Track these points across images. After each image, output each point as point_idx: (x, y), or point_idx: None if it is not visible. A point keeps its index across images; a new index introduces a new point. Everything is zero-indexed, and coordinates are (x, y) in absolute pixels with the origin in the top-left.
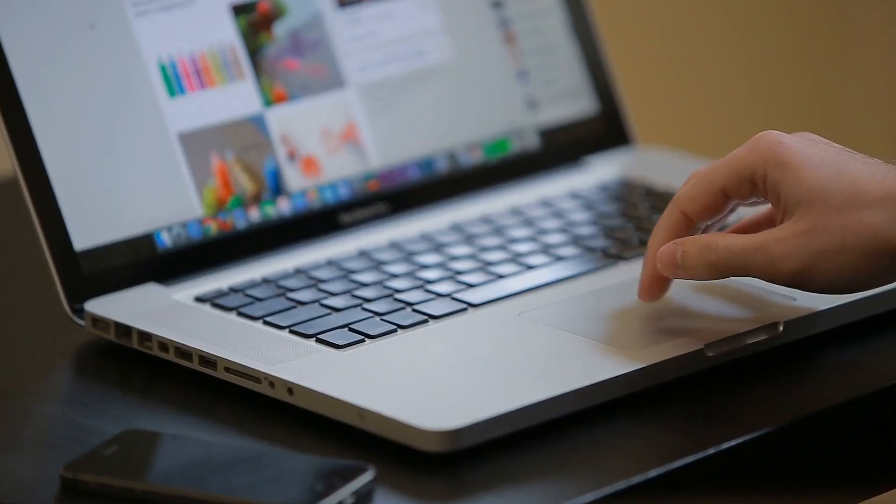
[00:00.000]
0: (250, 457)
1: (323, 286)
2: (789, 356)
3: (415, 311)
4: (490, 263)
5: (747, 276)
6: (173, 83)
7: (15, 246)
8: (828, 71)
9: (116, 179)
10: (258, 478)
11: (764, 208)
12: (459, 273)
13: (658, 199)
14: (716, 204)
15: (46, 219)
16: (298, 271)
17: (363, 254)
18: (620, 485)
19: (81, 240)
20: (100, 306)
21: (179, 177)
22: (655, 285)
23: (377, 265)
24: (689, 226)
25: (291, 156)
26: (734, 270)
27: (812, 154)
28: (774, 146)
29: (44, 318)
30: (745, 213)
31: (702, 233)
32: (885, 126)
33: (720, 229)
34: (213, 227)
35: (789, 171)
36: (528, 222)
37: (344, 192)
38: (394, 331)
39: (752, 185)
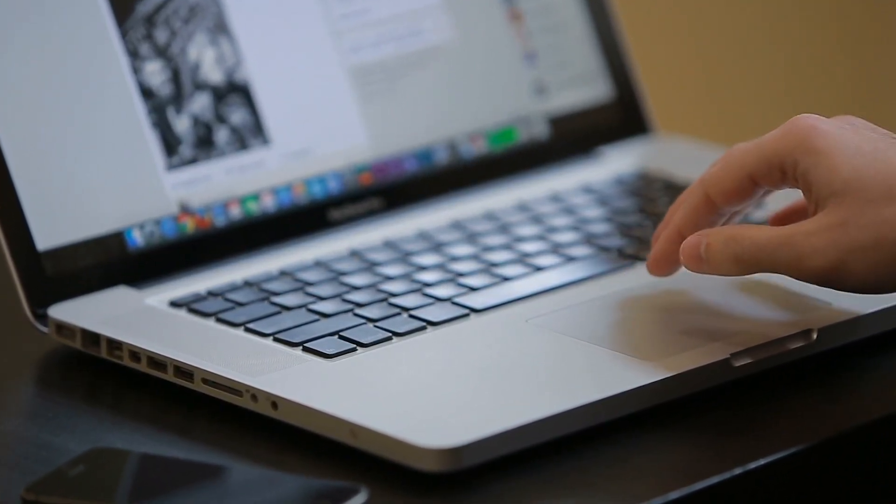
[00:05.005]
0: (230, 477)
1: (310, 289)
2: (825, 366)
3: (412, 316)
4: (494, 264)
5: (774, 272)
6: None
7: None
8: (863, 55)
9: (84, 172)
10: (239, 500)
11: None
12: (461, 275)
13: (678, 194)
14: (743, 189)
15: (6, 215)
16: (283, 273)
17: (355, 254)
18: None
19: (45, 238)
20: (65, 311)
21: (153, 169)
22: (664, 261)
23: (370, 266)
24: (713, 210)
25: None
26: (760, 265)
27: (848, 140)
28: (808, 131)
29: (3, 324)
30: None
31: (727, 220)
32: None
33: (744, 219)
34: (189, 225)
35: (821, 159)
36: (537, 219)
37: (333, 186)
38: (388, 338)
39: (781, 172)
